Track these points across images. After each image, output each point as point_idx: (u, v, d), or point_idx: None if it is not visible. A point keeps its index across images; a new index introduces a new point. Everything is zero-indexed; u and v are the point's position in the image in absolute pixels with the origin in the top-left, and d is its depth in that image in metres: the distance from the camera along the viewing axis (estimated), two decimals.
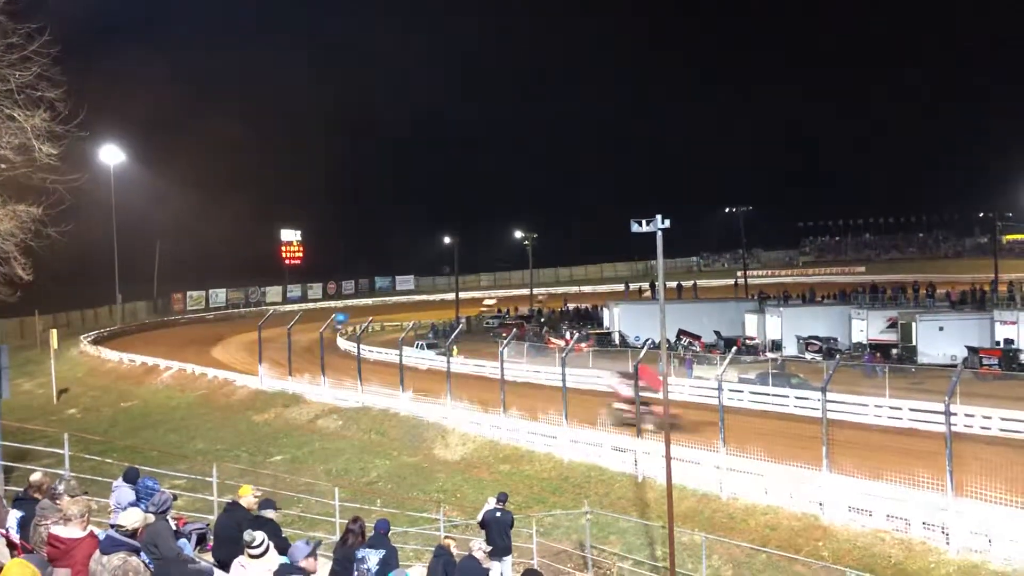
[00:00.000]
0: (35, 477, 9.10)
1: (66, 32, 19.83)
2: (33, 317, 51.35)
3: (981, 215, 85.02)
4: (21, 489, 9.53)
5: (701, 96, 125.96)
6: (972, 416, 24.00)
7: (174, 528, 9.26)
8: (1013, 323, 36.47)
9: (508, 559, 13.54)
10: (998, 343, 36.05)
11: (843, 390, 26.78)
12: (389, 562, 9.46)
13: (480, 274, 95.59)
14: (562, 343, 39.73)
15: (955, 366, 25.13)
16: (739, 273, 74.63)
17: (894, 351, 38.53)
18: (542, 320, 58.73)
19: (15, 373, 29.17)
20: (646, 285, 74.64)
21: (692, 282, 75.56)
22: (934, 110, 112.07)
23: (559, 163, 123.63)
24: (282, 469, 24.43)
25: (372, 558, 9.47)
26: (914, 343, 37.55)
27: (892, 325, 40.11)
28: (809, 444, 19.04)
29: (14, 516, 8.42)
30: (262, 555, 7.81)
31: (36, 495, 8.68)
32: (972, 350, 35.12)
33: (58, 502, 8.09)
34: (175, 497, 10.24)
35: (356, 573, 9.53)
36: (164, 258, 77.99)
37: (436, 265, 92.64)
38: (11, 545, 7.58)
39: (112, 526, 7.49)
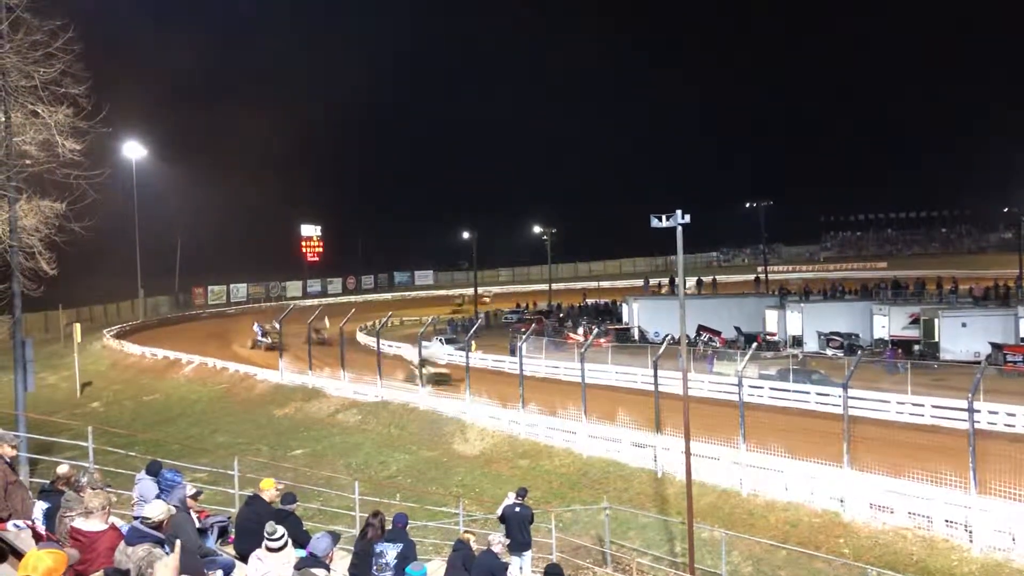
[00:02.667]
0: (62, 469, 9.19)
1: (90, 28, 20.00)
2: (57, 311, 51.92)
3: (1005, 210, 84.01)
4: (47, 481, 9.64)
5: (722, 91, 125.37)
6: (996, 413, 23.77)
7: (196, 521, 9.35)
8: None
9: (528, 554, 13.57)
10: (1022, 340, 35.65)
11: (864, 386, 26.59)
12: (407, 556, 9.49)
13: (499, 269, 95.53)
14: (581, 338, 39.69)
15: (978, 363, 24.88)
16: (759, 268, 74.20)
17: (916, 347, 38.16)
18: (561, 315, 58.69)
19: (39, 366, 29.53)
20: (665, 280, 74.37)
21: (712, 277, 75.21)
22: (957, 105, 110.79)
23: (578, 157, 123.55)
24: (302, 463, 24.57)
25: (390, 552, 9.51)
26: (937, 339, 37.20)
27: (914, 321, 39.76)
28: (830, 441, 18.92)
29: (40, 507, 8.52)
30: (280, 549, 7.87)
31: (63, 487, 8.77)
32: (996, 346, 34.72)
33: (82, 494, 8.18)
34: (200, 492, 10.35)
35: (375, 567, 9.57)
36: (185, 253, 78.63)
37: (455, 260, 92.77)
38: (37, 536, 7.67)
39: (136, 518, 7.58)
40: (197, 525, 9.47)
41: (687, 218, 15.55)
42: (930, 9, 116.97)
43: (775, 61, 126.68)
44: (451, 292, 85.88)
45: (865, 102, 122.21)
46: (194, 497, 9.53)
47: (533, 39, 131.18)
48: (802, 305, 44.96)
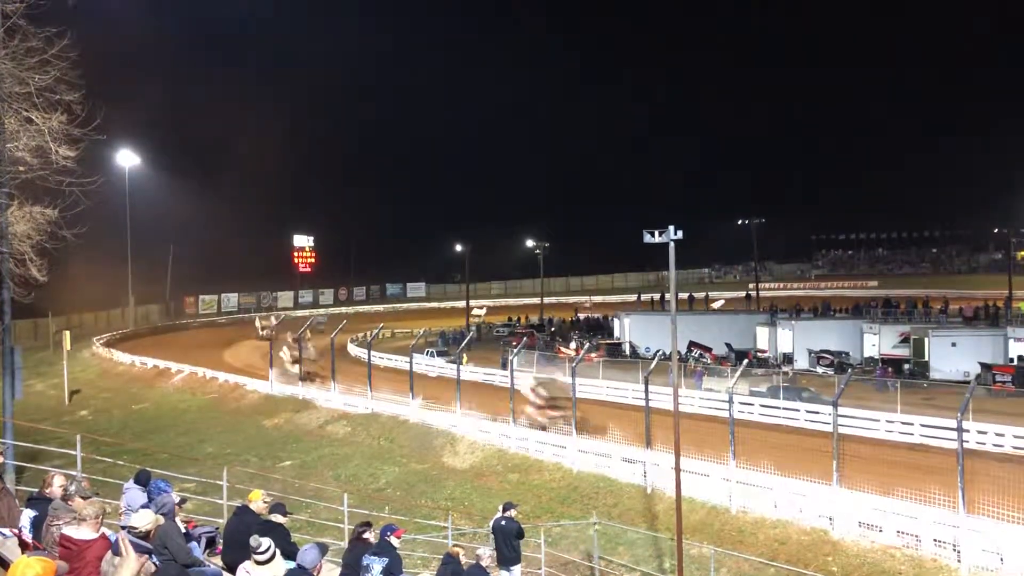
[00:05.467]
0: (52, 477, 9.13)
1: (85, 36, 20.00)
2: (47, 318, 51.66)
3: (996, 231, 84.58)
4: (34, 489, 9.58)
5: (715, 106, 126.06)
6: (985, 433, 23.83)
7: (184, 531, 9.29)
8: None
9: (516, 568, 13.52)
10: (1012, 360, 35.82)
11: (854, 404, 26.67)
12: (392, 571, 9.44)
13: (491, 282, 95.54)
14: (572, 353, 39.70)
15: (968, 382, 24.99)
16: (751, 285, 74.44)
17: (906, 366, 38.36)
18: (552, 330, 58.73)
19: (28, 374, 29.34)
20: (658, 296, 74.49)
21: (704, 294, 75.35)
22: (949, 124, 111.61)
23: (572, 172, 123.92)
24: (291, 474, 24.47)
25: (376, 566, 9.45)
26: (926, 358, 37.36)
27: (904, 340, 39.94)
28: (819, 458, 18.96)
29: (27, 515, 8.45)
30: (267, 562, 7.83)
31: (50, 494, 8.71)
32: (985, 366, 34.89)
33: (70, 503, 8.13)
34: (184, 500, 10.29)
35: None
36: (177, 262, 78.36)
37: (447, 272, 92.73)
38: (23, 545, 7.62)
39: (123, 527, 7.54)
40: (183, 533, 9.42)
41: (679, 234, 15.60)
42: (922, 29, 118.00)
43: (771, 77, 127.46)
44: (443, 304, 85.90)
45: (859, 121, 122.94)
46: (179, 504, 9.49)
47: (529, 49, 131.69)
48: (793, 322, 45.11)
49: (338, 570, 10.16)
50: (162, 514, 8.36)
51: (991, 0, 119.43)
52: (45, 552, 6.99)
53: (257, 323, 60.87)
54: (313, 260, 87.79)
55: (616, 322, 52.94)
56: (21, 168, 19.19)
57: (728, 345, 44.42)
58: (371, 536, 9.92)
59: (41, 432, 23.89)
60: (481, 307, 74.40)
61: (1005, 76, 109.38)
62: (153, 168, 67.65)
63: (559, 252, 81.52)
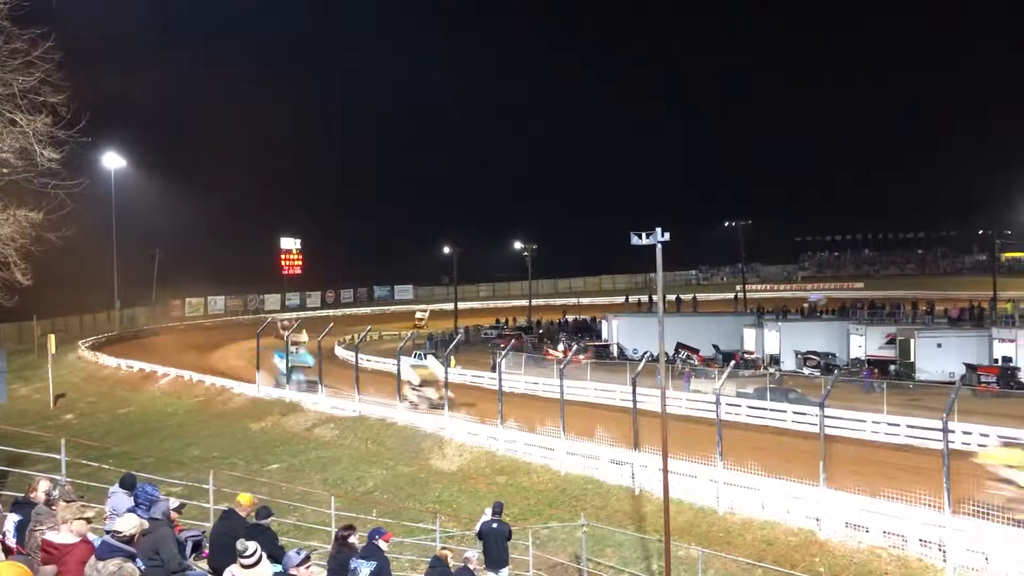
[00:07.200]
0: (37, 483, 9.07)
1: (71, 37, 19.89)
2: (31, 322, 51.26)
3: (980, 232, 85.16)
4: (18, 494, 9.51)
5: (702, 110, 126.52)
6: (970, 433, 23.95)
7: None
8: (1012, 341, 36.53)
9: (505, 571, 13.51)
10: (996, 360, 36.08)
11: (841, 405, 26.82)
12: (380, 574, 9.40)
13: (479, 284, 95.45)
14: (560, 355, 39.73)
15: (953, 383, 25.12)
16: (738, 287, 74.69)
17: (892, 367, 38.57)
18: (541, 332, 58.75)
19: (12, 378, 29.21)
20: (645, 298, 74.63)
21: (692, 295, 75.53)
22: (936, 126, 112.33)
23: (559, 174, 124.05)
24: (278, 477, 24.35)
25: (364, 570, 9.41)
26: (912, 359, 37.59)
27: (891, 341, 40.17)
28: (806, 459, 19.02)
29: (11, 520, 8.39)
30: (254, 565, 7.79)
31: (35, 499, 8.64)
32: (970, 367, 35.15)
33: (53, 507, 8.07)
34: (183, 505, 10.24)
35: None
36: (163, 265, 77.90)
37: (435, 275, 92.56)
38: (7, 550, 7.56)
39: (108, 532, 7.49)
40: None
41: (667, 236, 15.64)
42: (911, 32, 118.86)
43: (759, 79, 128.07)
44: (431, 307, 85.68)
45: (845, 123, 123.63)
46: (177, 510, 9.45)
47: (521, 51, 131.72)
48: (779, 324, 45.27)
49: (325, 573, 10.11)
50: (153, 518, 8.31)
51: (983, 5, 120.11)
52: (28, 557, 6.94)
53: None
54: (300, 262, 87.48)
55: (604, 324, 53.03)
56: (5, 170, 19.03)
57: (715, 347, 44.57)
58: (356, 540, 9.88)
59: (25, 436, 23.74)
60: (424, 310, 74.97)
61: (995, 79, 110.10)
62: (139, 170, 67.30)
63: (547, 254, 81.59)
